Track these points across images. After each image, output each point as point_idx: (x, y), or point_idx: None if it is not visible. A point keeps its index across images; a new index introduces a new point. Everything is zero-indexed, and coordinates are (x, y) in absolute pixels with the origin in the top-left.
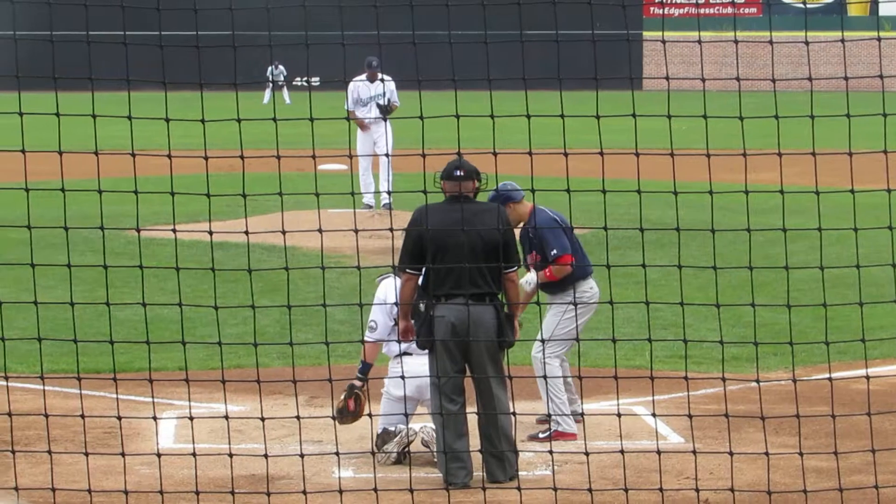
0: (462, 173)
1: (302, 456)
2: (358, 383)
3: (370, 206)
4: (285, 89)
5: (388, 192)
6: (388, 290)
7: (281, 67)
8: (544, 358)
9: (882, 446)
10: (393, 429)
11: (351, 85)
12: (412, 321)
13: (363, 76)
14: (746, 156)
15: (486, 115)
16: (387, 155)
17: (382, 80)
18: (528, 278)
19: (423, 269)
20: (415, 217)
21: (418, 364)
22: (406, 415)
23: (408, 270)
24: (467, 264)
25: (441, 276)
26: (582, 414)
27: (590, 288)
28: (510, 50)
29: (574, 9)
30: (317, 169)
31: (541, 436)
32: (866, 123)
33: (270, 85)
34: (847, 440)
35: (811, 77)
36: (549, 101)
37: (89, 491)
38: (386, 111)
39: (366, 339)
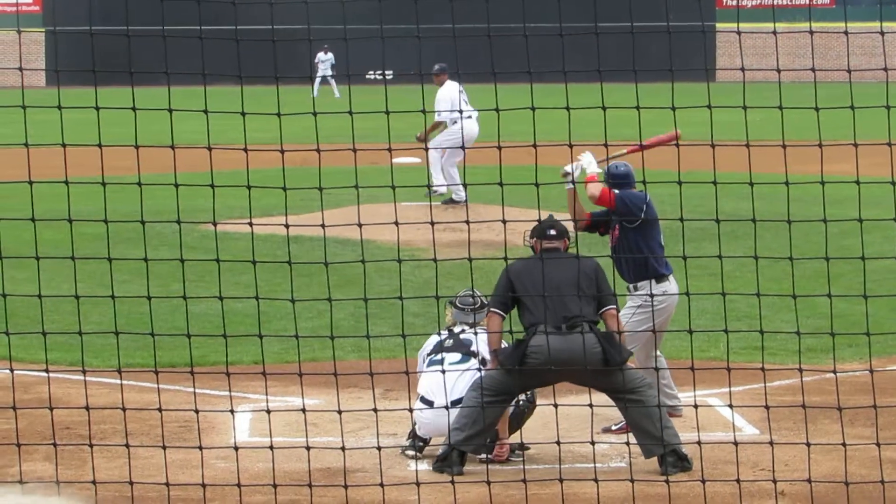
0: (555, 233)
1: (379, 448)
2: None
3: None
4: (334, 82)
5: (429, 186)
6: (431, 340)
7: (330, 54)
8: None
9: None
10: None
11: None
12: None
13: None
14: (822, 146)
15: (561, 108)
16: (425, 148)
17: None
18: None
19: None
20: (507, 270)
21: (433, 415)
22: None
23: (492, 309)
24: (562, 296)
25: (537, 311)
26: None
27: (662, 291)
28: (582, 43)
29: (644, 0)
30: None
31: (613, 427)
32: None
33: (319, 79)
34: None
35: (886, 67)
36: (617, 94)
37: (167, 484)
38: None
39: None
